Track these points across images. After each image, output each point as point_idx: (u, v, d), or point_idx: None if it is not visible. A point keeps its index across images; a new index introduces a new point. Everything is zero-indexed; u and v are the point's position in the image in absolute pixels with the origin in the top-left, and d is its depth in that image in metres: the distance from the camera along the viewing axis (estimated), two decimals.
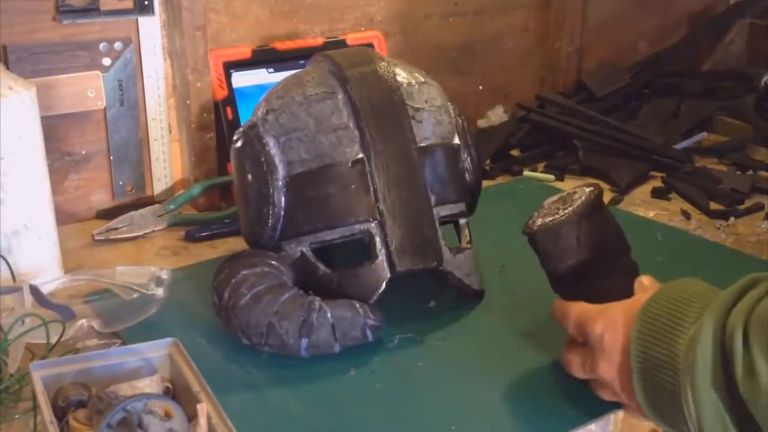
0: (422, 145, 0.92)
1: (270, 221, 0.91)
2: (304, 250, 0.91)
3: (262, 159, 0.91)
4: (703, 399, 0.64)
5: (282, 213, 0.91)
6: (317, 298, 0.85)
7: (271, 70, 1.27)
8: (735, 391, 0.63)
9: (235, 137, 0.95)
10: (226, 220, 1.16)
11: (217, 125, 1.23)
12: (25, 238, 0.96)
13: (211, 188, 1.22)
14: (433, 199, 0.92)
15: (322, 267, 0.90)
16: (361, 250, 0.90)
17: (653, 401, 0.70)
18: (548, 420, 0.78)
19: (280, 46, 1.28)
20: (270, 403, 0.80)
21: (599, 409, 0.78)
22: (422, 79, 0.97)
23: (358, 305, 0.86)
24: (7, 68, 1.05)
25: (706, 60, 1.81)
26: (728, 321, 0.64)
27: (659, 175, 1.33)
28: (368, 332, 0.86)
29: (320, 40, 1.31)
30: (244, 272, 0.87)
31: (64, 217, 1.11)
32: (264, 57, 1.27)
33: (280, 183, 0.91)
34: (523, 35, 1.57)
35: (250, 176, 0.92)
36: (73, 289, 0.98)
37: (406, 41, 1.41)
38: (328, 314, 0.84)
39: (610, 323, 0.74)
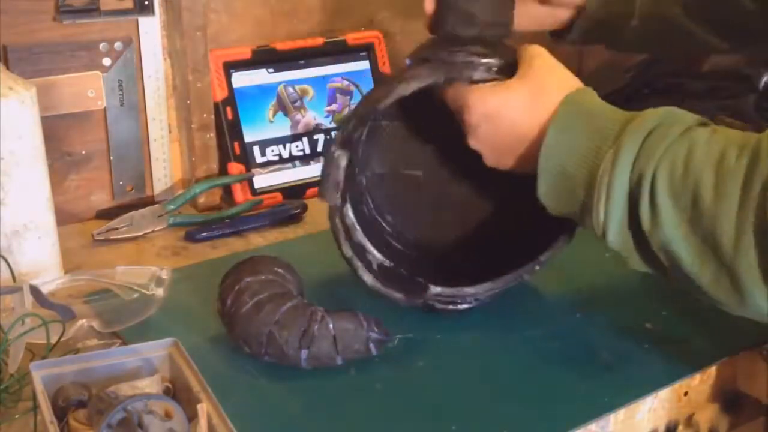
0: None
1: None
2: None
3: None
4: (612, 214, 0.72)
5: None
6: (320, 309, 0.84)
7: (271, 70, 1.27)
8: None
9: None
10: (226, 220, 1.16)
11: (217, 125, 1.23)
12: (25, 238, 0.96)
13: (211, 188, 1.22)
14: None
15: None
16: None
17: (557, 198, 0.77)
18: (548, 420, 0.78)
19: (280, 46, 1.28)
20: (270, 403, 0.80)
21: (599, 409, 0.78)
22: None
23: (362, 317, 0.85)
24: (7, 68, 1.05)
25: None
26: (637, 161, 0.70)
27: None
28: (372, 346, 0.84)
29: (320, 40, 1.31)
30: (248, 279, 0.86)
31: (64, 217, 1.10)
32: (264, 57, 1.27)
33: None
34: (523, 35, 1.56)
35: None
36: (73, 289, 0.98)
37: (406, 41, 1.41)
38: (330, 325, 0.83)
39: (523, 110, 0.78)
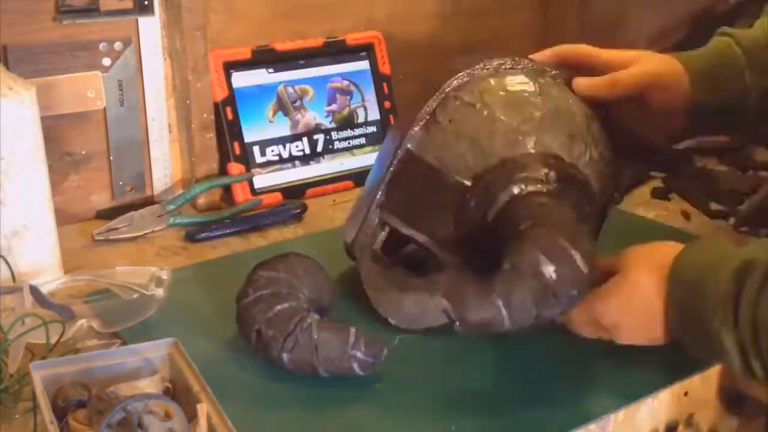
0: None
1: None
2: None
3: None
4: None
5: None
6: (314, 317, 0.83)
7: (271, 70, 1.27)
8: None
9: None
10: (226, 220, 1.16)
11: (217, 125, 1.23)
12: (25, 238, 0.96)
13: (211, 188, 1.22)
14: None
15: None
16: None
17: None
18: (548, 420, 0.78)
19: (280, 46, 1.28)
20: (270, 403, 0.80)
21: (599, 409, 0.78)
22: None
23: (352, 334, 0.81)
24: (7, 68, 1.05)
25: None
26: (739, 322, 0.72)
27: (659, 175, 1.33)
28: (355, 365, 0.81)
29: (320, 40, 1.31)
30: (261, 273, 0.86)
31: (64, 217, 1.10)
32: (264, 57, 1.27)
33: None
34: (523, 36, 1.57)
35: None
36: (73, 289, 0.98)
37: (406, 41, 1.41)
38: (314, 335, 0.81)
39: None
